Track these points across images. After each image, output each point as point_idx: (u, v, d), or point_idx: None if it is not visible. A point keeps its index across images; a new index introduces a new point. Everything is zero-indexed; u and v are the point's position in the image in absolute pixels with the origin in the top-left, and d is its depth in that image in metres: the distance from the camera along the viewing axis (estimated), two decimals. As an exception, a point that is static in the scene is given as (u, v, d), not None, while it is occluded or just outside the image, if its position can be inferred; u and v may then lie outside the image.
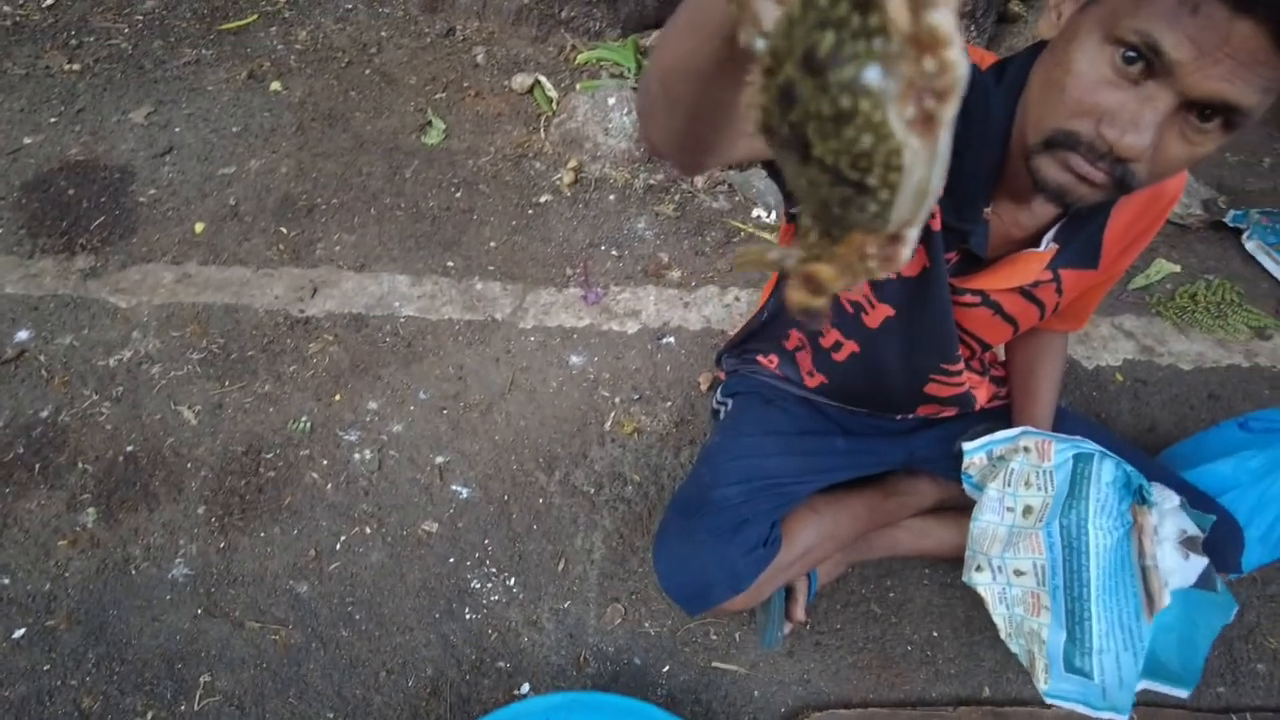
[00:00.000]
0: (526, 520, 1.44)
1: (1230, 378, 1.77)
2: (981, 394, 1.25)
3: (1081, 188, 0.74)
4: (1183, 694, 1.15)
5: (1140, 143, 0.67)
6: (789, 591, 1.27)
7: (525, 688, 1.29)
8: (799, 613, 1.26)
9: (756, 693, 1.30)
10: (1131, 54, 0.65)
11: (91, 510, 1.44)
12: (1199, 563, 1.11)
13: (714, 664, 1.32)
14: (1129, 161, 0.70)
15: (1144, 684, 1.21)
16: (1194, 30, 0.62)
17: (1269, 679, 1.37)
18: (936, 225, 0.89)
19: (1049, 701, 1.12)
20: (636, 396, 1.60)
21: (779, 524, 1.16)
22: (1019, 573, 1.17)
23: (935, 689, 1.32)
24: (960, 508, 1.28)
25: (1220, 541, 1.21)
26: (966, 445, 1.18)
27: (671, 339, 1.70)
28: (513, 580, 1.38)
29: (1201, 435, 1.50)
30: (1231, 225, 2.09)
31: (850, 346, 1.12)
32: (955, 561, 1.21)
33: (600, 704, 1.17)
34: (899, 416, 1.27)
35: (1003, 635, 1.16)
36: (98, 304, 1.71)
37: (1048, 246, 0.92)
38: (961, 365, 1.10)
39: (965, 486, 1.20)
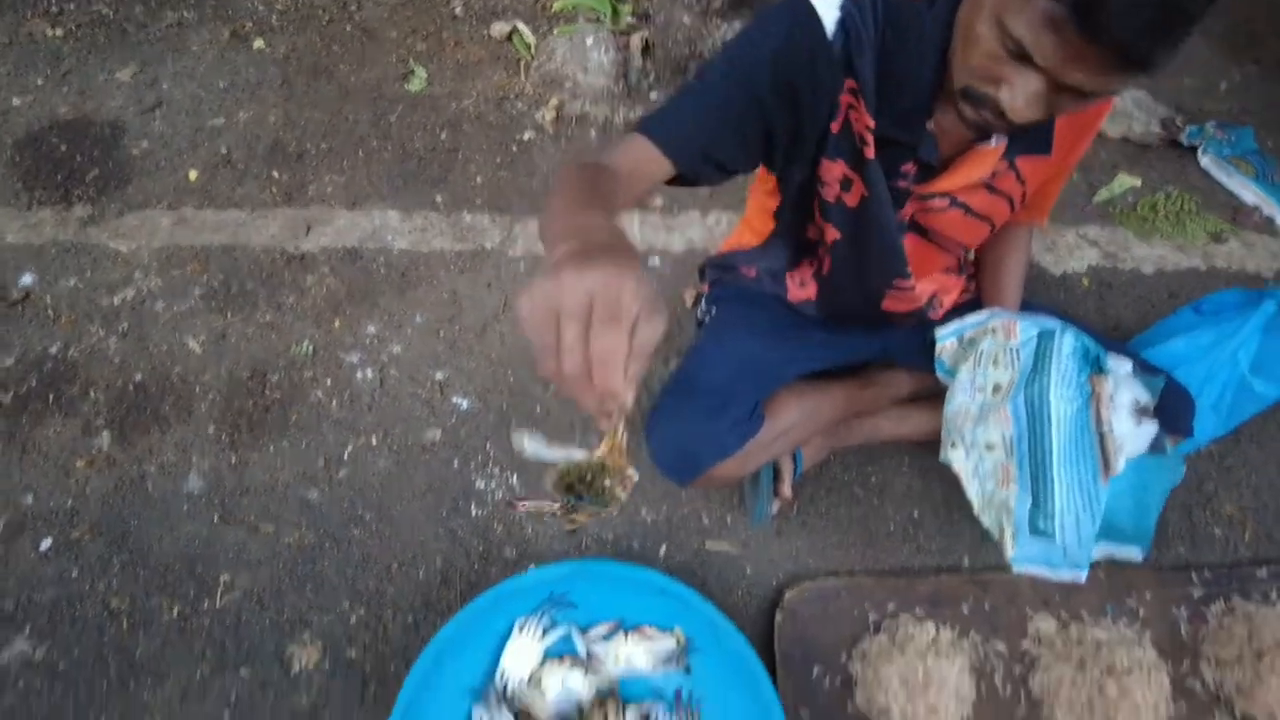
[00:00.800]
0: (526, 426, 1.51)
1: (1189, 279, 1.86)
2: (954, 295, 1.33)
3: (995, 127, 0.86)
4: (1137, 555, 1.23)
5: (1029, 113, 0.80)
6: (776, 471, 1.34)
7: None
8: (786, 489, 1.33)
9: (749, 569, 1.38)
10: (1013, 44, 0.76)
11: (106, 434, 1.50)
12: (1150, 428, 1.19)
13: (707, 545, 1.40)
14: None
15: (1103, 547, 1.29)
16: (1056, 44, 0.72)
17: (1224, 541, 1.46)
18: (870, 154, 0.97)
19: (1016, 569, 1.18)
20: (624, 312, 1.67)
21: (761, 404, 1.24)
22: (989, 446, 1.25)
23: (917, 561, 1.41)
24: (935, 397, 1.36)
25: (1172, 407, 1.29)
26: (939, 331, 1.26)
27: (656, 260, 1.77)
28: (515, 478, 1.46)
29: (1160, 323, 1.59)
30: (1187, 144, 2.18)
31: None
32: (933, 446, 1.29)
33: (602, 572, 1.25)
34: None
35: (976, 511, 1.23)
36: (98, 248, 1.76)
37: (998, 142, 1.00)
38: (913, 282, 1.19)
39: (939, 374, 1.28)
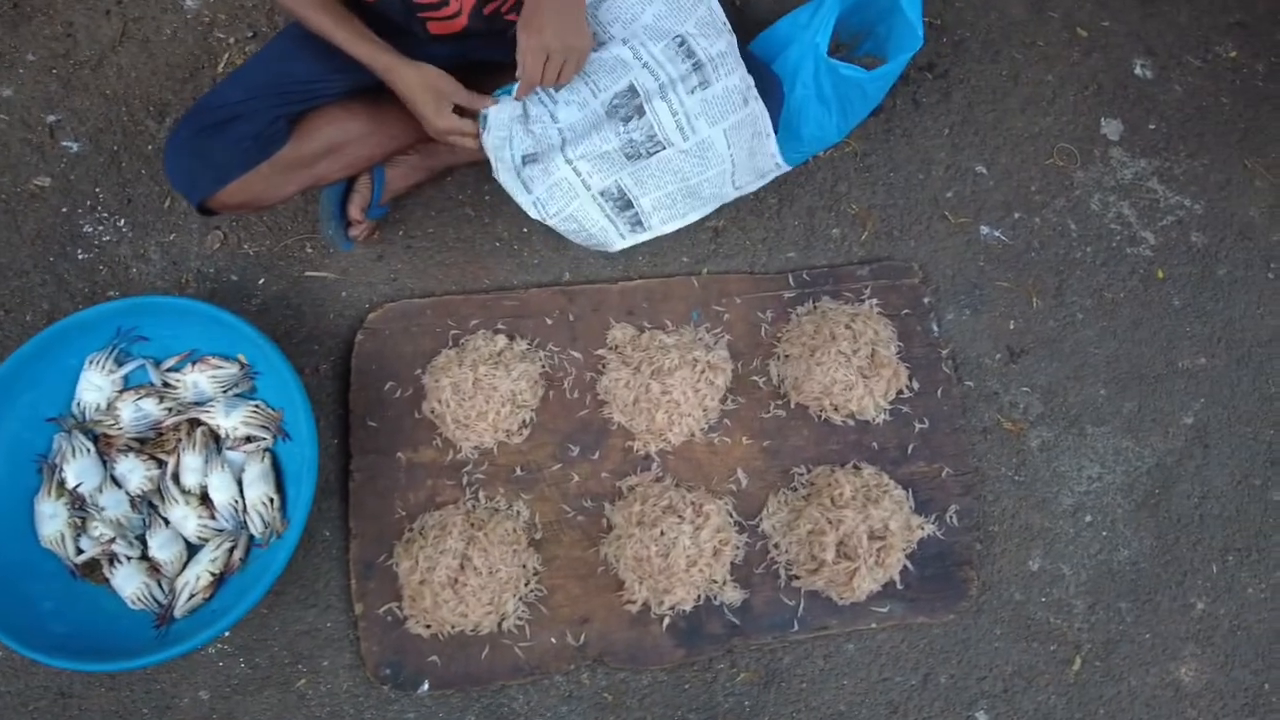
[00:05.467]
0: (136, 167, 1.48)
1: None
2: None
3: None
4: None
5: None
6: (349, 191, 1.32)
7: (132, 311, 1.40)
8: (354, 210, 1.32)
9: (344, 293, 1.41)
10: None
11: None
12: None
13: (307, 273, 1.42)
14: None
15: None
16: None
17: (839, 240, 1.45)
18: None
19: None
20: (251, 35, 1.56)
21: (286, 120, 1.18)
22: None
23: (518, 278, 1.43)
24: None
25: (766, 94, 1.21)
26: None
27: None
28: (123, 221, 1.45)
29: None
30: None
31: None
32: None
33: (165, 306, 1.28)
34: None
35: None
36: None
37: None
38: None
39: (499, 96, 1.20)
